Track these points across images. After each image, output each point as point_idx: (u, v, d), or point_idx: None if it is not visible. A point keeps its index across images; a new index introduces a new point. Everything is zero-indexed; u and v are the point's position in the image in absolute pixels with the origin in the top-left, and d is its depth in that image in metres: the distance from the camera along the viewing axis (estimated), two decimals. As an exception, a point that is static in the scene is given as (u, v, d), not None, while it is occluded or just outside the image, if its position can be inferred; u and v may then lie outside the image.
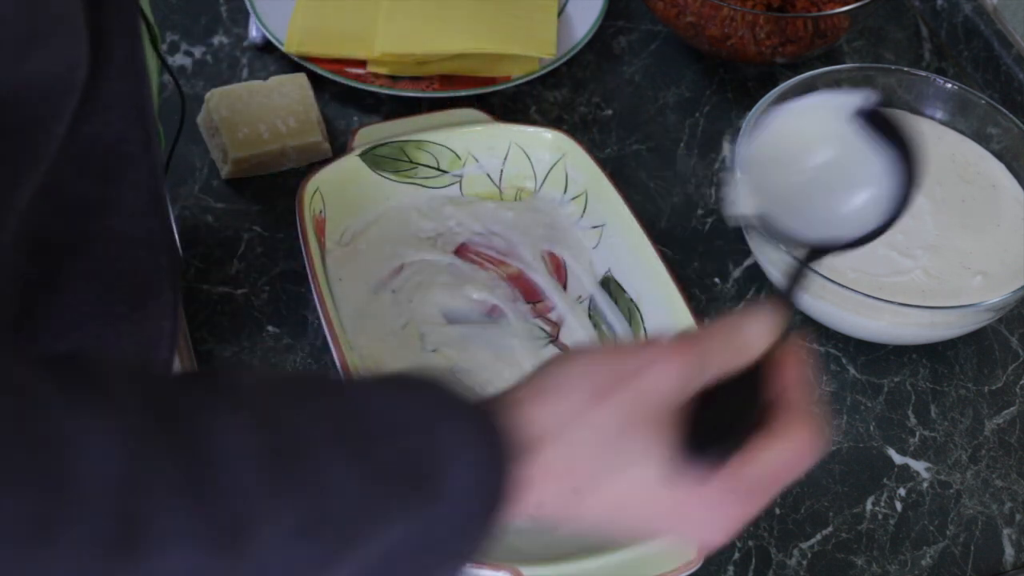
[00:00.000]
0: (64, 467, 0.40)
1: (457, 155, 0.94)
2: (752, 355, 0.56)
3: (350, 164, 0.91)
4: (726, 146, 1.03)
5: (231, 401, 0.46)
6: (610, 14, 1.11)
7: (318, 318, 0.89)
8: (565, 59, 1.05)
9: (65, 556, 0.40)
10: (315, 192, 0.88)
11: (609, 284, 0.90)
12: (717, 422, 0.55)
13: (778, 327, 0.57)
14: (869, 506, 0.84)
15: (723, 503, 0.55)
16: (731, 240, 0.96)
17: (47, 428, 0.41)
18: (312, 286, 0.84)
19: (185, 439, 0.43)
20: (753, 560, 0.81)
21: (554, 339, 0.88)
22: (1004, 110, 0.94)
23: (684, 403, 0.54)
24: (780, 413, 0.56)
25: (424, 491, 0.47)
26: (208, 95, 0.98)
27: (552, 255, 0.92)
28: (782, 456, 0.55)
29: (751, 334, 0.56)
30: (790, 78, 0.96)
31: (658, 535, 0.57)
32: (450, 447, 0.48)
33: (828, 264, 0.88)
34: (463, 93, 1.01)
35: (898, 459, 0.86)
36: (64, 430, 0.41)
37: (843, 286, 0.83)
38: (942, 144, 0.96)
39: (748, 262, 0.95)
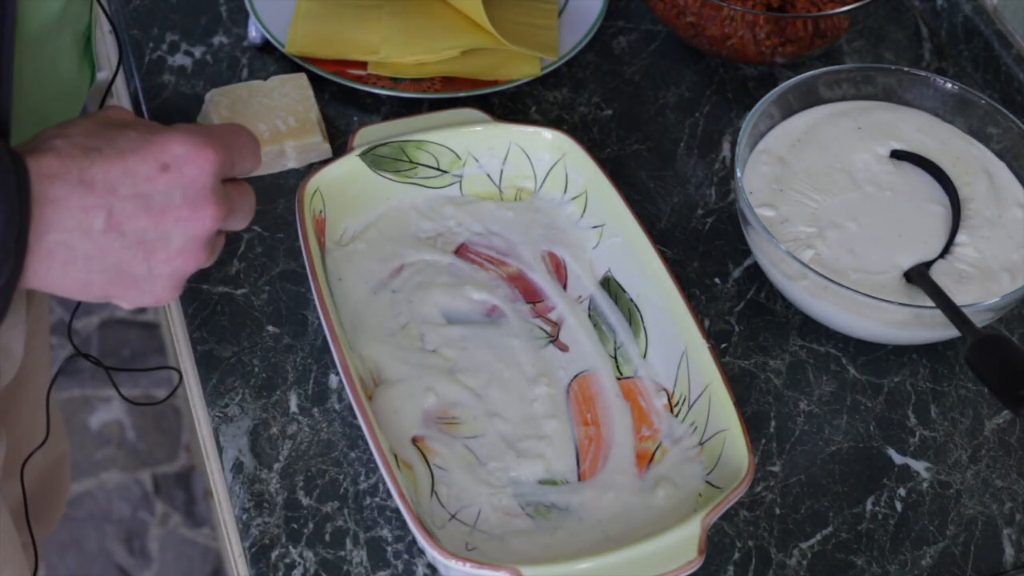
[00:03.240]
0: None
1: (457, 155, 0.94)
2: None
3: (350, 164, 0.91)
4: (726, 146, 1.03)
5: None
6: (610, 14, 1.11)
7: (318, 318, 0.89)
8: (565, 59, 1.05)
9: None
10: (315, 192, 0.88)
11: (609, 284, 0.90)
12: None
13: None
14: (869, 506, 0.84)
15: None
16: (731, 240, 0.96)
17: None
18: (312, 286, 0.84)
19: None
20: (753, 560, 0.81)
21: (554, 339, 0.88)
22: (1004, 110, 0.94)
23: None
24: None
25: None
26: (208, 95, 0.98)
27: (552, 255, 0.92)
28: None
29: None
30: (790, 78, 0.96)
31: None
32: None
33: (828, 264, 0.88)
34: (463, 94, 1.01)
35: (898, 459, 0.86)
36: None
37: (843, 286, 0.83)
38: (942, 144, 0.96)
39: (748, 262, 0.95)
